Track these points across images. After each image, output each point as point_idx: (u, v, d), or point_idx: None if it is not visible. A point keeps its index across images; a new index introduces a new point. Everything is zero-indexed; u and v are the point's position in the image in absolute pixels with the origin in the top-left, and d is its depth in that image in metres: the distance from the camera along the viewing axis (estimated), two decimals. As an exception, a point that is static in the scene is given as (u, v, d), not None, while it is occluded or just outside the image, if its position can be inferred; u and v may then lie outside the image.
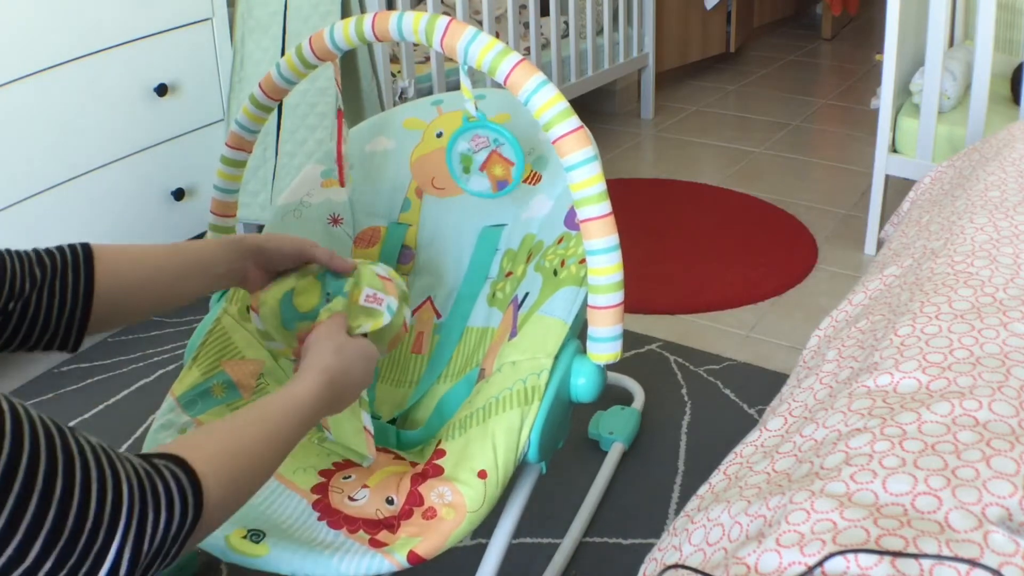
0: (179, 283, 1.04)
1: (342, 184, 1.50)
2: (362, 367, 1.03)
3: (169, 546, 0.71)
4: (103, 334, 2.13)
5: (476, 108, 1.24)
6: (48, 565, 0.63)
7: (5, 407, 0.64)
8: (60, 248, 0.94)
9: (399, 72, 2.53)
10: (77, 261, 0.94)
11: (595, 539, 1.49)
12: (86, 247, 0.96)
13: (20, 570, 0.62)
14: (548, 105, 1.07)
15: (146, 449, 1.21)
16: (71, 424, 1.82)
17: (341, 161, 1.48)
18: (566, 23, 3.13)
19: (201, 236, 2.25)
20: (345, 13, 2.05)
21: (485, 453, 1.10)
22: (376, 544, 1.08)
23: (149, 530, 0.69)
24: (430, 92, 2.57)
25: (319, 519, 1.13)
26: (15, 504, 0.61)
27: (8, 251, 0.90)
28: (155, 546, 0.69)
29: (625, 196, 2.82)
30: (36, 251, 0.93)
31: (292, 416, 0.89)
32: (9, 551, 0.61)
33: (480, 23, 2.89)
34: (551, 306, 1.22)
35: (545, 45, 3.06)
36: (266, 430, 0.85)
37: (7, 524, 0.61)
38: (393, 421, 1.41)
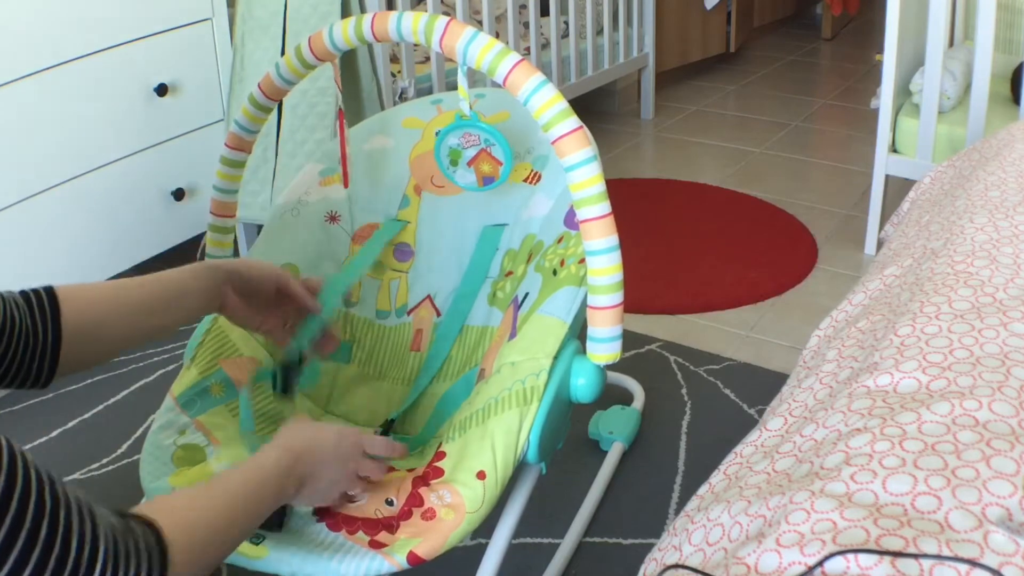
0: (149, 318, 1.04)
1: (346, 185, 1.50)
2: (332, 451, 1.03)
3: None
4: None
5: (471, 108, 1.24)
6: None
7: (3, 443, 0.65)
8: (25, 292, 0.95)
9: (399, 72, 2.53)
10: (42, 303, 0.95)
11: (595, 539, 1.49)
12: (49, 289, 0.96)
13: None
14: (547, 105, 1.07)
15: (146, 450, 1.21)
16: (71, 424, 1.82)
17: (345, 161, 1.48)
18: (566, 23, 3.13)
19: (201, 236, 2.25)
20: (345, 13, 2.05)
21: (484, 454, 1.10)
22: (376, 545, 1.08)
23: None
24: (430, 92, 2.57)
25: (318, 520, 1.13)
26: (3, 537, 0.63)
27: None
28: None
29: (625, 196, 2.82)
30: (7, 294, 0.94)
31: (252, 487, 0.91)
32: None
33: (480, 23, 2.89)
34: (550, 306, 1.22)
35: (545, 45, 3.06)
36: (227, 502, 0.87)
37: None
38: (391, 423, 1.41)
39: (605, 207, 1.09)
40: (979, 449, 0.74)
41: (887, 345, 0.96)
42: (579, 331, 1.23)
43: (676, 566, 0.77)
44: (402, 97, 2.29)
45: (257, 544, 1.08)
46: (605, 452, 1.68)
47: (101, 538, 0.71)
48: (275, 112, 2.07)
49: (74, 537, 0.68)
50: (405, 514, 1.10)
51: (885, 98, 2.31)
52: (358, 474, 1.07)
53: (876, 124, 2.38)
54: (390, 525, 1.10)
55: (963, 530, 0.66)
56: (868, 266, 2.01)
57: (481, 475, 1.09)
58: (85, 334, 0.97)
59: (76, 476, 1.67)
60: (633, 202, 2.78)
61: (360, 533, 1.10)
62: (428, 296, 1.51)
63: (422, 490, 1.12)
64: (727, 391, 1.85)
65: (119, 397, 1.91)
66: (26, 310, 0.94)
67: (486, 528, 1.14)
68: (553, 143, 1.08)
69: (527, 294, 1.30)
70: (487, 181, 1.36)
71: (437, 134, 1.50)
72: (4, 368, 0.92)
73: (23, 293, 0.95)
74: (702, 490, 0.90)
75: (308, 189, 1.50)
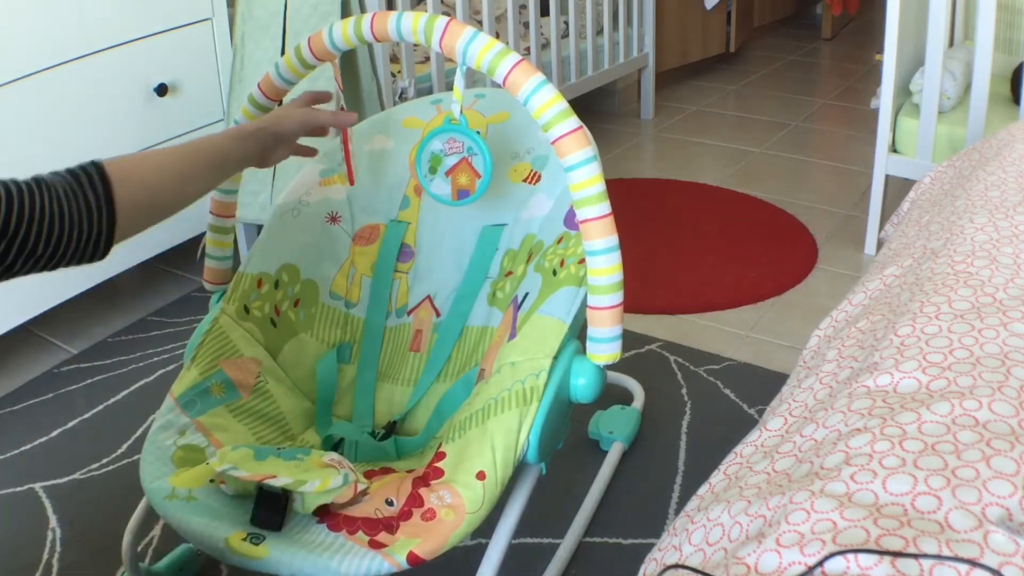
0: (195, 184, 1.09)
1: (351, 183, 1.50)
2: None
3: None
4: (106, 331, 2.13)
5: (471, 108, 1.24)
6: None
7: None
8: (72, 171, 0.96)
9: (399, 72, 2.53)
10: (93, 183, 0.96)
11: (595, 539, 1.49)
12: (98, 165, 0.97)
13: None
14: (547, 105, 1.07)
15: (146, 450, 1.21)
16: (71, 424, 1.82)
17: (349, 159, 1.48)
18: (566, 23, 3.13)
19: (201, 236, 2.25)
20: (345, 13, 2.05)
21: (484, 454, 1.10)
22: (376, 545, 1.08)
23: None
24: (430, 92, 2.57)
25: (318, 521, 1.13)
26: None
27: (15, 182, 0.91)
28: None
29: (625, 196, 2.82)
30: (50, 174, 0.95)
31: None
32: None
33: (480, 23, 2.89)
34: (550, 306, 1.22)
35: (545, 45, 3.06)
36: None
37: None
38: (393, 425, 1.41)
39: (605, 207, 1.09)
40: (979, 449, 0.74)
41: (887, 345, 0.96)
42: (579, 331, 1.23)
43: (676, 566, 0.77)
44: (402, 97, 2.29)
45: (257, 544, 1.08)
46: (605, 452, 1.68)
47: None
48: (275, 112, 2.07)
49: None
50: (405, 514, 1.10)
51: (885, 98, 2.31)
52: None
53: (876, 124, 2.38)
54: (390, 525, 1.10)
55: (963, 530, 0.66)
56: (868, 266, 2.01)
57: (481, 475, 1.09)
58: (138, 205, 1.00)
59: (76, 476, 1.67)
60: (633, 202, 2.78)
61: (360, 533, 1.10)
62: (428, 296, 1.51)
63: (422, 490, 1.12)
64: (727, 391, 1.85)
65: (119, 397, 1.91)
66: (77, 189, 0.94)
67: (486, 528, 1.14)
68: (553, 143, 1.08)
69: (527, 294, 1.30)
70: (462, 195, 1.33)
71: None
72: (55, 244, 0.91)
73: (68, 172, 0.96)
74: (702, 490, 0.90)
75: (308, 189, 1.50)
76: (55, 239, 0.91)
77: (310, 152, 1.35)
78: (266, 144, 1.20)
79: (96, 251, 0.96)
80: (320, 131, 1.30)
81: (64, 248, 0.92)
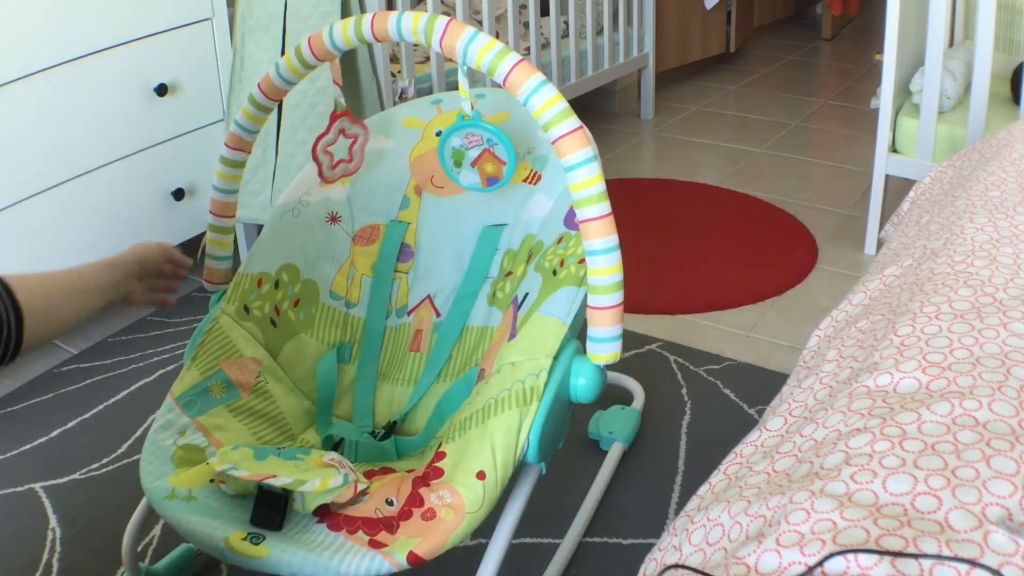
0: (68, 303, 1.13)
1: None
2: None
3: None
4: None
5: (473, 107, 1.24)
6: None
7: None
8: None
9: (399, 72, 2.53)
10: None
11: (595, 539, 1.49)
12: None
13: None
14: (547, 105, 1.07)
15: (146, 450, 1.21)
16: (71, 424, 1.82)
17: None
18: (566, 23, 3.13)
19: (201, 236, 2.25)
20: (345, 13, 2.05)
21: (483, 454, 1.10)
22: (376, 545, 1.08)
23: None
24: (430, 92, 2.57)
25: (318, 521, 1.13)
26: None
27: None
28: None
29: (625, 196, 2.82)
30: None
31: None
32: None
33: (480, 23, 2.89)
34: (550, 306, 1.22)
35: (545, 45, 3.06)
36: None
37: None
38: (393, 425, 1.41)
39: (605, 207, 1.09)
40: (979, 449, 0.74)
41: (887, 345, 0.96)
42: (579, 331, 1.23)
43: (676, 566, 0.77)
44: (402, 97, 2.29)
45: (257, 544, 1.08)
46: (605, 452, 1.68)
47: None
48: (275, 112, 2.07)
49: None
50: (405, 514, 1.10)
51: (885, 98, 2.31)
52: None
53: (876, 124, 2.38)
54: (390, 525, 1.10)
55: (963, 530, 0.66)
56: (868, 266, 2.01)
57: (481, 475, 1.09)
58: (38, 313, 1.06)
59: (76, 476, 1.67)
60: (633, 202, 2.78)
61: (360, 533, 1.10)
62: (428, 296, 1.51)
63: (422, 490, 1.12)
64: (727, 391, 1.85)
65: (119, 397, 1.91)
66: None
67: (486, 528, 1.14)
68: (553, 143, 1.08)
69: (527, 294, 1.30)
70: (491, 181, 1.35)
71: (438, 134, 1.50)
72: None
73: None
74: (702, 490, 0.90)
75: (309, 190, 1.50)
76: None
77: (165, 303, 1.38)
78: (130, 272, 1.25)
79: (5, 355, 1.03)
80: (181, 264, 1.36)
81: None
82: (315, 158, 1.43)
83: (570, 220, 1.32)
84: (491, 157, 1.33)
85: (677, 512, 1.39)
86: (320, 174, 1.45)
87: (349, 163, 1.46)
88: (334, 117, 1.40)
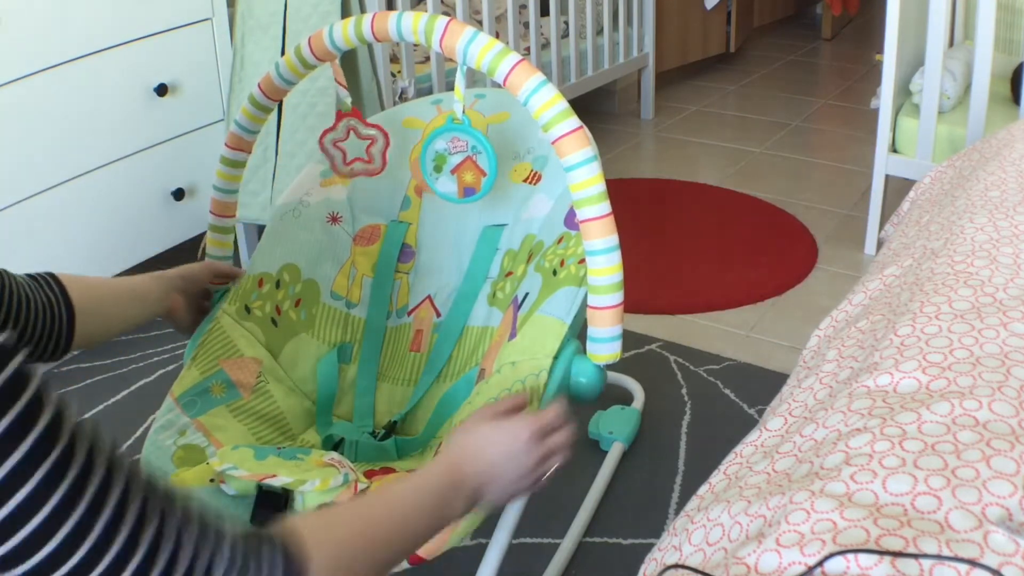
0: (116, 310, 1.15)
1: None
2: (505, 452, 0.96)
3: None
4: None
5: (470, 109, 1.24)
6: None
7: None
8: (29, 274, 1.06)
9: (399, 72, 2.53)
10: (50, 283, 1.06)
11: (595, 539, 1.49)
12: (49, 273, 1.08)
13: None
14: (547, 105, 1.07)
15: (146, 450, 1.21)
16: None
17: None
18: (566, 23, 3.13)
19: (201, 236, 2.25)
20: (345, 13, 2.05)
21: (485, 453, 1.10)
22: (376, 544, 1.08)
23: None
24: (430, 92, 2.57)
25: (319, 519, 1.13)
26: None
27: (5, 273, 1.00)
28: None
29: (625, 196, 2.82)
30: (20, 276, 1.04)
31: (409, 504, 0.84)
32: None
33: (480, 23, 2.89)
34: (550, 306, 1.22)
35: (545, 45, 3.06)
36: (376, 519, 0.80)
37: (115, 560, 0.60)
38: (393, 425, 1.41)
39: (605, 207, 1.09)
40: (979, 449, 0.74)
41: (887, 345, 0.96)
42: (579, 331, 1.23)
43: (676, 566, 0.77)
44: (402, 97, 2.29)
45: (257, 544, 1.07)
46: (605, 452, 1.68)
47: (226, 544, 0.66)
48: (275, 112, 2.07)
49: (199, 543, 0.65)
50: (405, 514, 1.10)
51: (885, 98, 2.31)
52: (545, 457, 1.00)
53: (876, 124, 2.38)
54: (390, 525, 1.10)
55: (963, 530, 0.66)
56: (868, 266, 2.01)
57: (481, 475, 1.09)
58: (88, 312, 1.08)
59: (76, 476, 1.67)
60: (633, 202, 2.78)
61: (360, 533, 1.10)
62: (428, 296, 1.51)
63: (422, 490, 1.11)
64: (727, 391, 1.85)
65: (119, 397, 1.91)
66: (38, 288, 1.03)
67: (486, 528, 1.14)
68: (553, 143, 1.08)
69: (527, 294, 1.30)
70: (468, 192, 1.33)
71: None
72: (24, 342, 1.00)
73: (28, 276, 1.05)
74: (702, 490, 0.90)
75: (309, 190, 1.50)
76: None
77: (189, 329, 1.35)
78: (173, 284, 1.26)
79: (57, 348, 1.05)
80: (230, 276, 1.38)
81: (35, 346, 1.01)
82: (324, 151, 1.43)
83: (570, 220, 1.32)
84: (472, 166, 1.31)
85: (677, 512, 1.39)
86: (333, 167, 1.45)
87: (369, 163, 1.45)
88: (340, 116, 1.41)
